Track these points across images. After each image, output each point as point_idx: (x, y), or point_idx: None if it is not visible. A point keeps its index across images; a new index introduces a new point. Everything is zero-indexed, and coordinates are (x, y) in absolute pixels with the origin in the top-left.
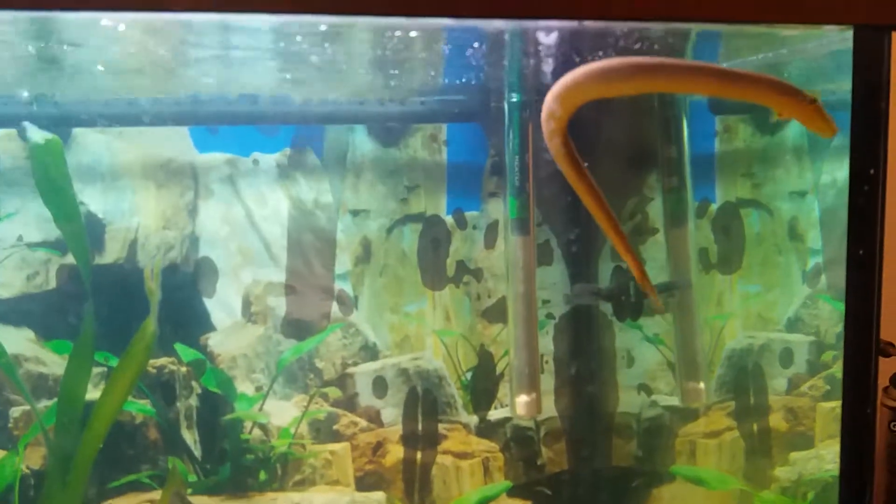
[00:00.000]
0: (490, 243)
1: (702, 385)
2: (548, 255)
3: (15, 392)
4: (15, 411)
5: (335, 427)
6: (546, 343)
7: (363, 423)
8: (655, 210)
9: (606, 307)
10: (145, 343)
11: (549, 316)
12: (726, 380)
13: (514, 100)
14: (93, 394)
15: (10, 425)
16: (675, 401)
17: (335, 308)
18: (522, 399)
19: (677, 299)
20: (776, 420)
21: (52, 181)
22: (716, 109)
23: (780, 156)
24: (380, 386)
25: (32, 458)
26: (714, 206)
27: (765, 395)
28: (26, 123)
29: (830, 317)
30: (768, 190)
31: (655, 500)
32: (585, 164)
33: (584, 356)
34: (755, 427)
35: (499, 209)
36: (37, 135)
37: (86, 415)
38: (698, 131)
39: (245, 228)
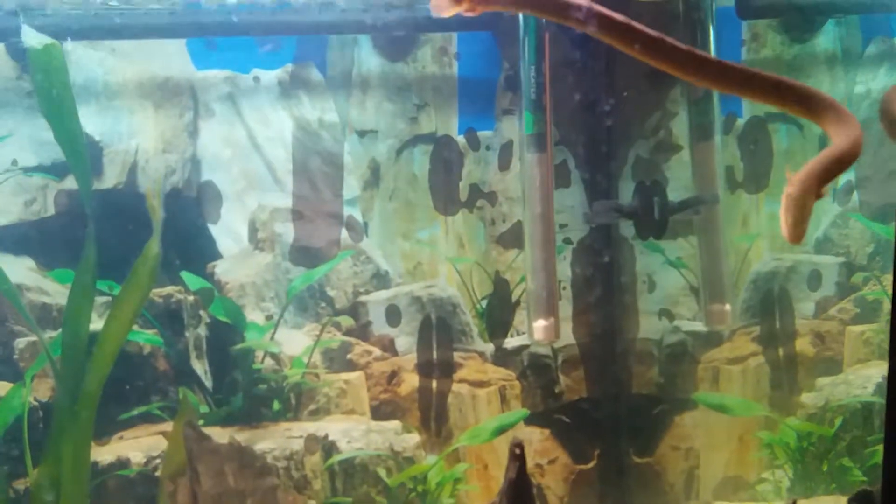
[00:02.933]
0: (505, 165)
1: (727, 307)
2: (565, 176)
3: (19, 323)
4: (20, 342)
5: (349, 356)
6: (563, 268)
7: (377, 351)
8: (679, 126)
9: (627, 230)
10: (149, 266)
11: (567, 241)
12: (751, 304)
13: None
14: (97, 324)
15: (15, 357)
16: (697, 326)
17: (345, 234)
18: (540, 324)
19: (702, 217)
20: (803, 344)
21: (52, 91)
22: (743, 14)
23: (811, 65)
24: (393, 314)
25: (40, 390)
26: (741, 121)
27: (791, 319)
28: (24, 27)
29: (862, 236)
30: None
31: (677, 427)
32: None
33: (602, 281)
34: (781, 352)
35: (513, 128)
36: (34, 39)
37: (91, 345)
38: (724, 38)
39: (248, 151)
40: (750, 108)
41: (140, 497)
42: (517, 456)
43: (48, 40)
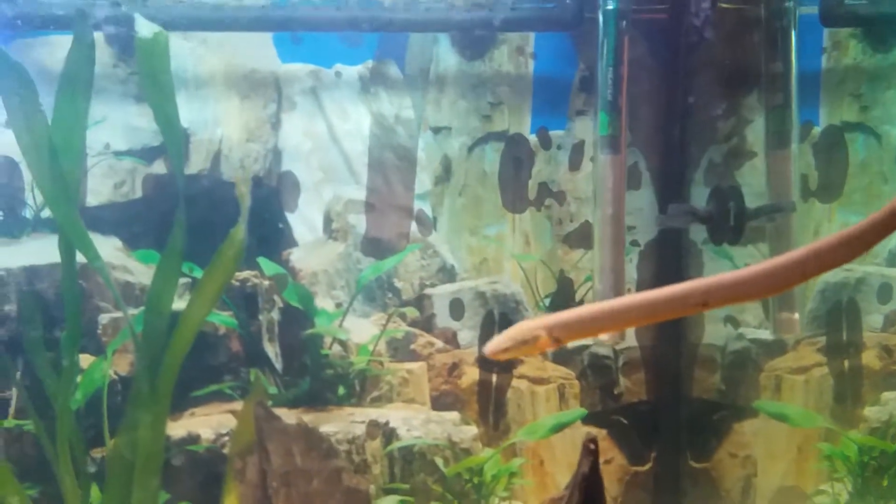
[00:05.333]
0: (575, 165)
1: (796, 315)
2: (636, 178)
3: (103, 299)
4: (104, 318)
5: (412, 347)
6: (629, 270)
7: (440, 343)
8: (753, 132)
9: (696, 235)
10: (234, 251)
11: (634, 243)
12: (818, 314)
13: (610, 7)
14: (176, 303)
15: (99, 332)
16: (762, 334)
17: (414, 228)
18: None
19: (776, 225)
20: (869, 357)
21: (156, 77)
22: (827, 21)
23: (892, 75)
24: (457, 308)
25: (120, 365)
26: (817, 129)
27: (859, 331)
28: (137, 16)
29: None
30: (877, 113)
31: (736, 434)
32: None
33: (668, 284)
34: (846, 364)
35: (586, 128)
36: (145, 28)
37: (171, 324)
38: (806, 46)
39: (327, 144)
40: (827, 116)
41: (207, 472)
42: (591, 451)
43: (157, 29)
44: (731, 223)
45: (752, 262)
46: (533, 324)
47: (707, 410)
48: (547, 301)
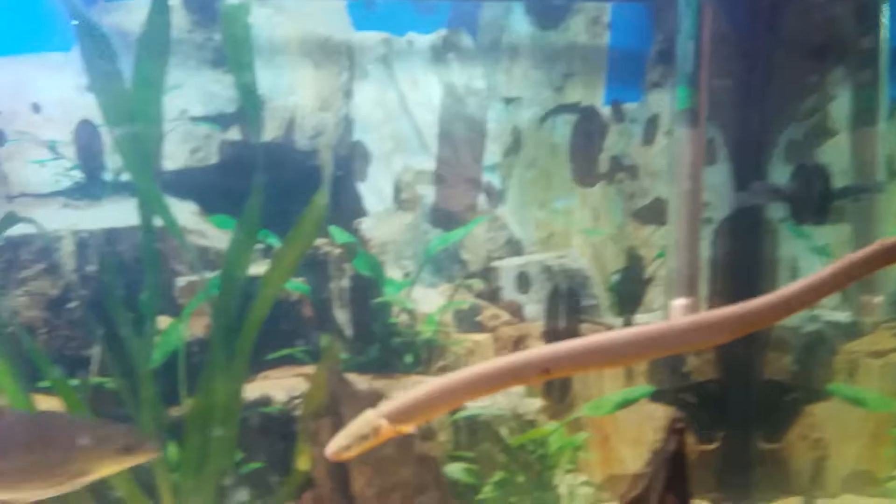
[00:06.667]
0: (649, 139)
1: (880, 298)
2: (711, 153)
3: (180, 263)
4: (180, 281)
5: (478, 318)
6: (702, 248)
7: (505, 316)
8: (837, 109)
9: (774, 213)
10: (316, 217)
11: (708, 220)
12: None
13: None
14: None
15: (175, 294)
16: (838, 316)
17: (482, 200)
18: (680, 302)
19: (860, 205)
20: None
21: (238, 43)
22: None
23: None
24: (523, 281)
25: (196, 327)
26: None
27: None
28: None
29: None
30: None
31: (808, 416)
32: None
33: (743, 263)
34: None
35: (661, 102)
36: None
37: (246, 288)
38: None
39: (398, 113)
40: None
41: (279, 433)
42: (679, 430)
43: None
44: (815, 202)
45: (831, 242)
46: (371, 415)
47: (779, 392)
48: (616, 277)
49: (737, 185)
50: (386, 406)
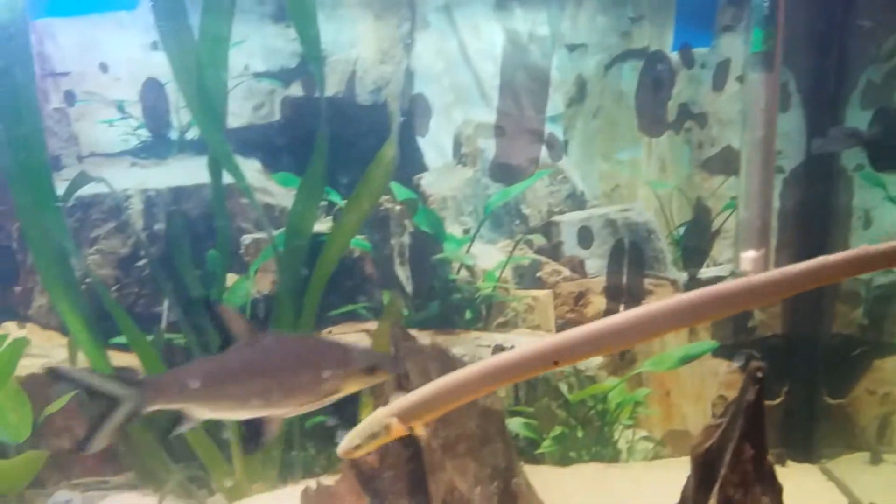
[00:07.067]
0: (719, 85)
1: None
2: (784, 99)
3: (245, 220)
4: (245, 239)
5: (538, 274)
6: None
7: (566, 272)
8: None
9: (848, 160)
10: (384, 170)
11: (779, 169)
12: None
13: None
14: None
15: (241, 252)
16: None
17: (544, 152)
18: (750, 254)
19: None
20: None
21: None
22: None
23: None
24: (585, 236)
25: (262, 283)
26: None
27: None
28: None
29: None
30: None
31: (877, 371)
32: None
33: (814, 213)
34: None
35: (733, 46)
36: None
37: (311, 245)
38: None
39: (459, 64)
40: None
41: None
42: (758, 379)
43: None
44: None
45: None
46: (381, 414)
47: (847, 346)
48: (681, 230)
49: (810, 132)
50: (396, 404)
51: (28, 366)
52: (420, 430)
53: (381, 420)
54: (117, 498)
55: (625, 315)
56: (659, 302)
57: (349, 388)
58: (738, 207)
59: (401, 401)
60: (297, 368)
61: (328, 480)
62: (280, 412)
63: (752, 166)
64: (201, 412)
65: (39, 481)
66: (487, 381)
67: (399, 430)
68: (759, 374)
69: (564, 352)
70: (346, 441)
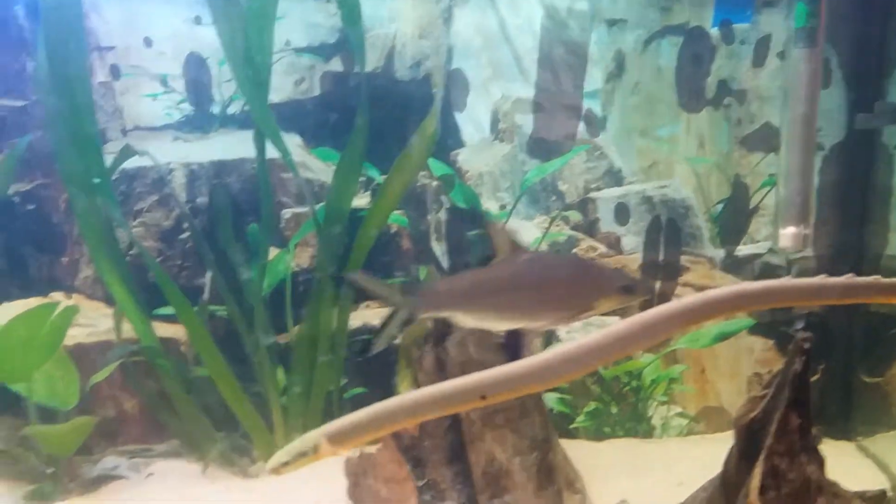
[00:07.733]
0: (759, 61)
1: None
2: (825, 75)
3: (285, 195)
4: (286, 213)
5: (574, 250)
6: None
7: (602, 248)
8: None
9: (890, 138)
10: (425, 144)
11: (819, 146)
12: None
13: None
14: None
15: (281, 226)
16: None
17: (582, 128)
18: (789, 231)
19: None
20: None
21: None
22: None
23: None
24: (622, 212)
25: (301, 257)
26: None
27: None
28: None
29: None
30: None
31: None
32: None
33: (854, 191)
34: None
35: (774, 21)
36: None
37: (350, 220)
38: None
39: (497, 39)
40: None
41: (380, 360)
42: (805, 350)
43: None
44: None
45: None
46: (313, 434)
47: (884, 325)
48: (719, 207)
49: (851, 109)
50: (328, 426)
51: (74, 335)
52: (346, 453)
53: (311, 440)
54: (162, 465)
55: (553, 353)
56: (589, 336)
57: (604, 307)
58: (777, 184)
59: (332, 424)
60: (558, 284)
61: (369, 449)
62: (538, 325)
63: (793, 143)
64: (465, 321)
65: (86, 448)
66: (417, 412)
67: (327, 451)
68: (807, 345)
69: (492, 387)
70: (276, 458)
